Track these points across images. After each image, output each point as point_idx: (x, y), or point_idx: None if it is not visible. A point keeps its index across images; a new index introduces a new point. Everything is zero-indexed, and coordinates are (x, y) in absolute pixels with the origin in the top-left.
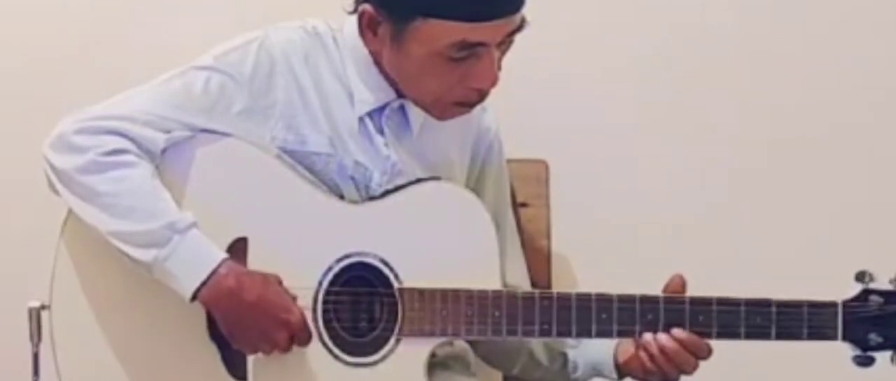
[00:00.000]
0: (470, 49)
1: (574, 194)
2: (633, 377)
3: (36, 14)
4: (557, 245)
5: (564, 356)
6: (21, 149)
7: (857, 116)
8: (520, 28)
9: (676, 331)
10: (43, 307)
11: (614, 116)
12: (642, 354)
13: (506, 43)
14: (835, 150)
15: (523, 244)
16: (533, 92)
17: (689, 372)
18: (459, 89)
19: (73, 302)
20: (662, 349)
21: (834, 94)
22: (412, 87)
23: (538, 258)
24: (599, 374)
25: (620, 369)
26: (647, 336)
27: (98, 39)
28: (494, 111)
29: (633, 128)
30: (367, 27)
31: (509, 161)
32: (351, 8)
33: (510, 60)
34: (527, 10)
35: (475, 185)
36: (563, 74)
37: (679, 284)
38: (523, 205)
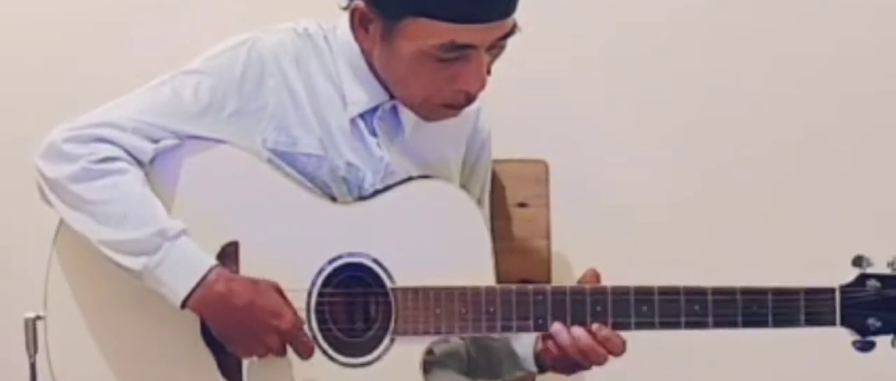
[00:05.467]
0: (458, 51)
1: (574, 194)
2: (547, 366)
3: (29, 21)
4: (557, 245)
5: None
6: (15, 159)
7: (853, 105)
8: (510, 33)
9: (595, 326)
10: (39, 318)
11: (614, 115)
12: (550, 345)
13: (496, 47)
14: (830, 138)
15: (523, 244)
16: (533, 92)
17: (600, 364)
18: (447, 91)
19: (67, 312)
20: (576, 342)
21: (830, 88)
22: (400, 86)
23: (538, 258)
24: (519, 366)
25: (538, 359)
26: (557, 326)
27: (91, 46)
28: (495, 111)
29: (633, 128)
30: (358, 24)
31: (509, 161)
32: (344, 4)
33: (510, 61)
34: (527, 10)
35: (465, 181)
36: (563, 73)
37: (593, 276)
38: (523, 205)
